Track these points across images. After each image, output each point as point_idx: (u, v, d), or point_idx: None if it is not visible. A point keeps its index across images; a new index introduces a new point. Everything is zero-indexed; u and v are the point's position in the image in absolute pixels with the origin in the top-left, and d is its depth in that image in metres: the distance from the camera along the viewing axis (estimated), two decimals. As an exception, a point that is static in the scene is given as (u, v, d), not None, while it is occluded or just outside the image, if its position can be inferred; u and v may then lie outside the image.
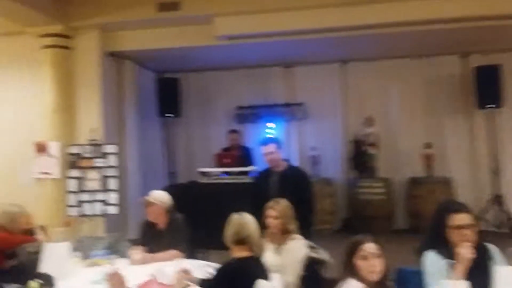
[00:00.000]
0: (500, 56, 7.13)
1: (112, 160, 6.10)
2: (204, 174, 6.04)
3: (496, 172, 6.83)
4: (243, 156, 6.67)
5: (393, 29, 6.00)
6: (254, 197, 4.15)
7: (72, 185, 6.02)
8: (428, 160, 7.15)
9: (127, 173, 6.91)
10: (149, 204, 3.85)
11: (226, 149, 7.08)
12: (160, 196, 3.88)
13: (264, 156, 4.22)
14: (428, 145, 7.18)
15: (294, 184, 4.02)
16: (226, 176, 5.98)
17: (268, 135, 7.48)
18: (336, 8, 5.87)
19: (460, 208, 2.67)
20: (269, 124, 7.89)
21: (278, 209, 3.47)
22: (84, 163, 6.06)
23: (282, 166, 4.21)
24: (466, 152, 7.40)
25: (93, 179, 6.03)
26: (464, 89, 7.43)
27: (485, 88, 6.83)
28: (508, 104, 7.13)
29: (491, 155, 7.04)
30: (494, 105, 6.88)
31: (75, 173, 6.05)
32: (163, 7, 6.15)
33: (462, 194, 6.92)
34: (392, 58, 7.53)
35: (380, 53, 7.35)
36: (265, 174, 4.30)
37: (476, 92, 6.99)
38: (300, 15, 5.98)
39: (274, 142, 4.26)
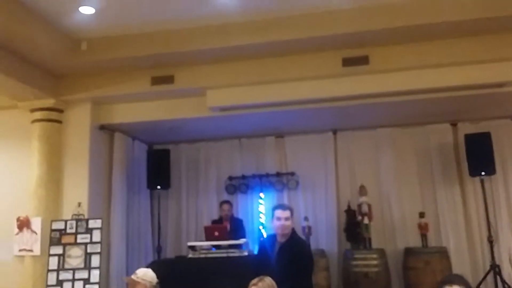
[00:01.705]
0: (488, 124, 7.23)
1: (96, 236, 5.97)
2: (193, 248, 5.91)
3: (491, 240, 6.75)
4: (235, 228, 6.54)
5: (383, 99, 6.09)
6: (256, 266, 4.03)
7: (53, 263, 5.78)
8: (422, 229, 7.01)
9: (111, 249, 6.74)
10: (133, 283, 3.73)
11: (216, 221, 7.02)
12: (145, 274, 3.77)
13: (277, 221, 3.97)
14: (422, 215, 7.07)
15: (291, 260, 3.84)
16: (216, 250, 5.84)
17: (262, 205, 7.35)
18: (324, 80, 5.97)
19: (453, 280, 2.62)
20: (260, 194, 7.77)
21: (261, 287, 3.30)
22: (67, 239, 5.90)
23: (286, 236, 4.01)
24: (460, 221, 7.25)
25: (75, 256, 5.88)
26: (456, 157, 7.43)
27: (476, 156, 6.80)
28: (500, 171, 7.09)
29: (486, 223, 6.99)
30: (485, 173, 6.91)
31: (57, 250, 5.84)
32: (157, 81, 6.24)
33: (459, 265, 6.83)
34: (383, 126, 7.58)
35: (371, 122, 7.39)
36: (269, 242, 4.11)
37: (468, 160, 6.95)
38: (289, 87, 6.08)
39: (290, 209, 4.07)
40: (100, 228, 6.03)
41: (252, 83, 6.13)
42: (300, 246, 4.00)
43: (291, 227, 3.99)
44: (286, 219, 3.96)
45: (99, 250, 5.93)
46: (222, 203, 7.15)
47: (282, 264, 3.82)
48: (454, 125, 7.57)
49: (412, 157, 7.64)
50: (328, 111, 6.57)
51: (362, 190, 7.26)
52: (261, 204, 7.76)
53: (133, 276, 3.74)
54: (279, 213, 3.98)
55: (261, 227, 7.58)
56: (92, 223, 6.03)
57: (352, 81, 5.91)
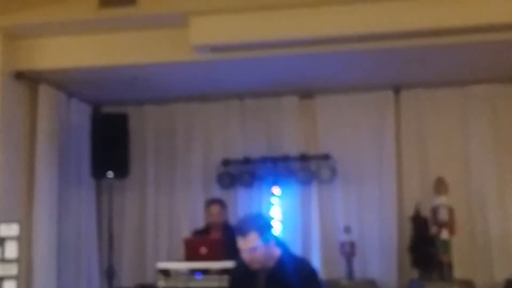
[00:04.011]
0: None
1: (11, 250, 5.92)
2: (165, 273, 5.94)
3: None
4: (230, 242, 6.47)
5: (479, 36, 6.07)
6: None
7: None
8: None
9: (34, 271, 6.74)
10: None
11: (200, 232, 7.12)
12: None
13: (243, 253, 4.12)
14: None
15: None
16: (203, 277, 5.90)
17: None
18: (381, 3, 5.95)
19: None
20: (274, 189, 7.83)
21: None
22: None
23: (271, 261, 4.12)
24: None
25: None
26: None
27: None
28: None
29: None
30: None
31: None
32: (108, 2, 6.25)
33: None
34: (478, 82, 7.63)
35: (458, 74, 7.44)
36: (245, 274, 4.23)
37: None
38: (323, 14, 6.07)
39: (258, 229, 4.08)
40: (17, 238, 5.96)
41: (262, 7, 6.10)
42: (300, 267, 4.16)
43: (273, 250, 4.11)
44: (252, 250, 4.02)
45: (15, 273, 5.87)
46: (210, 203, 7.21)
47: None
48: None
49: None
50: (388, 56, 6.60)
51: (440, 185, 7.21)
52: (274, 204, 7.80)
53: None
54: (239, 243, 4.11)
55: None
56: (4, 229, 5.96)
57: (428, 7, 5.88)
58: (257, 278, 4.10)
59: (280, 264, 4.11)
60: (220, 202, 7.19)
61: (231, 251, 6.11)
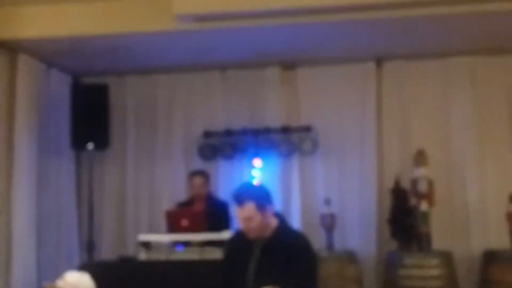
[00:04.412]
0: None
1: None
2: (146, 245, 5.95)
3: None
4: (213, 214, 6.55)
5: (463, 7, 6.06)
6: (224, 279, 4.24)
7: None
8: (515, 222, 7.14)
9: (13, 246, 6.77)
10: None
11: (184, 204, 7.12)
12: (78, 281, 3.85)
13: (239, 221, 4.19)
14: (516, 199, 7.15)
15: (286, 262, 3.98)
16: (184, 249, 5.92)
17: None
18: None
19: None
20: (255, 161, 7.84)
21: None
22: None
23: (268, 231, 4.16)
24: None
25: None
26: None
27: None
28: None
29: None
30: None
31: None
32: None
33: None
34: (459, 54, 7.64)
35: (440, 45, 7.41)
36: (241, 242, 4.25)
37: None
38: None
39: (254, 198, 4.10)
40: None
41: None
42: (295, 239, 4.20)
43: (269, 220, 4.13)
44: (248, 219, 4.05)
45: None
46: (193, 175, 7.18)
47: (269, 271, 3.96)
48: None
49: (503, 102, 7.70)
50: (370, 26, 6.56)
51: (420, 157, 7.24)
52: (256, 177, 7.81)
53: (60, 282, 3.79)
54: (236, 211, 4.16)
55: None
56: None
57: None
58: (252, 248, 4.12)
59: (276, 235, 4.13)
60: (203, 174, 7.18)
61: (214, 223, 6.21)
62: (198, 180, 7.04)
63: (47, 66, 7.61)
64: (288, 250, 4.03)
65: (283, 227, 4.22)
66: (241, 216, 4.08)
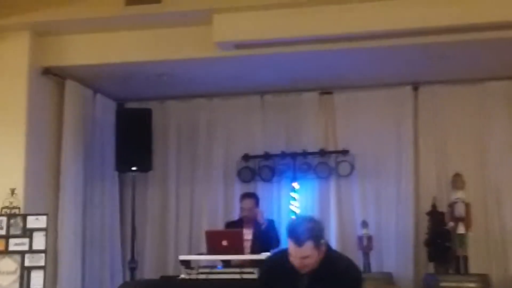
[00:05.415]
0: None
1: (39, 241, 6.03)
2: (186, 264, 5.93)
3: None
4: (264, 233, 6.66)
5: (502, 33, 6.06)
6: None
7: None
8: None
9: (60, 262, 6.80)
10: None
11: (233, 223, 7.12)
12: None
13: (294, 259, 3.86)
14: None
15: None
16: (224, 269, 5.92)
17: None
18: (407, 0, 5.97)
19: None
20: (293, 184, 7.85)
21: None
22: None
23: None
24: None
25: (6, 273, 5.96)
26: None
27: None
28: None
29: None
30: None
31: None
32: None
33: None
34: (497, 79, 7.59)
35: (477, 70, 7.38)
36: (285, 270, 3.96)
37: None
38: (345, 12, 6.06)
39: (313, 238, 3.80)
40: (45, 230, 6.05)
41: (284, 5, 6.11)
42: (345, 268, 3.95)
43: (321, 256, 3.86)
44: (305, 258, 3.80)
45: (42, 264, 5.96)
46: (243, 197, 7.17)
47: None
48: None
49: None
50: (406, 52, 6.55)
51: (458, 181, 7.23)
52: (294, 199, 7.82)
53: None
54: (292, 249, 3.84)
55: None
56: (32, 221, 6.06)
57: (447, 4, 5.89)
58: (297, 276, 3.90)
59: (325, 263, 3.89)
60: (253, 196, 7.16)
61: (266, 242, 6.26)
62: (246, 203, 7.00)
63: (93, 92, 7.69)
64: (340, 280, 3.84)
65: (330, 254, 3.98)
66: (299, 256, 3.80)
